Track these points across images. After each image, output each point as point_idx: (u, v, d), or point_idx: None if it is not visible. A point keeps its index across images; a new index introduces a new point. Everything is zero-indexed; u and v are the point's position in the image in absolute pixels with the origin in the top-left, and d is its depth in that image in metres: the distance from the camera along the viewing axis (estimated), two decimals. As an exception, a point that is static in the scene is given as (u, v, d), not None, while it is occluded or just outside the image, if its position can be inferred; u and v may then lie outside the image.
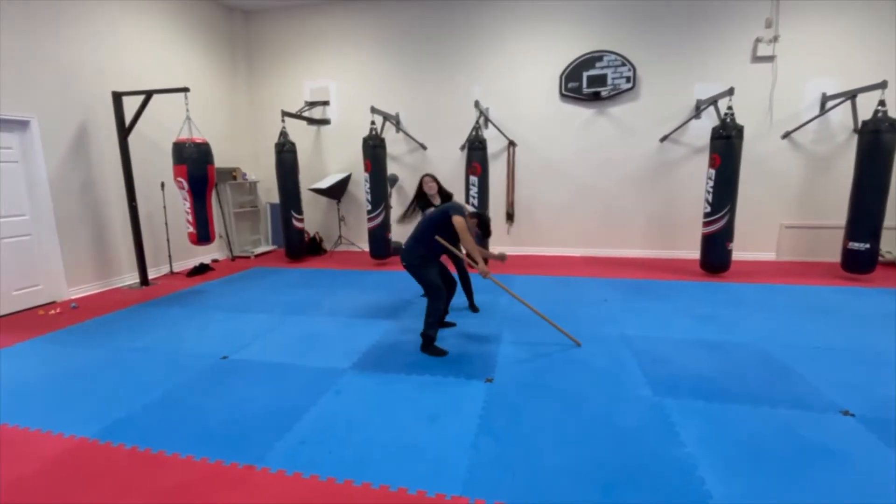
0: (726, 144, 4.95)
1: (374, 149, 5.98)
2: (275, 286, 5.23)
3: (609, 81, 6.13)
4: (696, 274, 5.43)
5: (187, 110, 5.02)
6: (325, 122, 7.26)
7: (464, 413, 2.43)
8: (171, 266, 5.98)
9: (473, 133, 6.09)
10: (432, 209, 3.96)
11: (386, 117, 6.66)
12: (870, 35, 5.47)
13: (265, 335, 3.65)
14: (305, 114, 7.07)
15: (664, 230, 6.40)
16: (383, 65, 6.90)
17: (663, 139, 6.15)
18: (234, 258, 6.96)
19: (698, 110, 5.97)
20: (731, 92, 5.06)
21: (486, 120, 6.47)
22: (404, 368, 2.98)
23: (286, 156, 6.43)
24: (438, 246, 3.24)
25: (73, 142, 4.91)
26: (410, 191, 6.43)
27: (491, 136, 6.47)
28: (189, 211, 5.00)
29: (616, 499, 1.79)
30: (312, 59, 7.16)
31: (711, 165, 5.10)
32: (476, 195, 5.96)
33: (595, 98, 6.26)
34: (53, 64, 4.69)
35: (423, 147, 6.91)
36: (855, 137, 5.38)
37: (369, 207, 6.09)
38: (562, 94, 6.36)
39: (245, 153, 7.48)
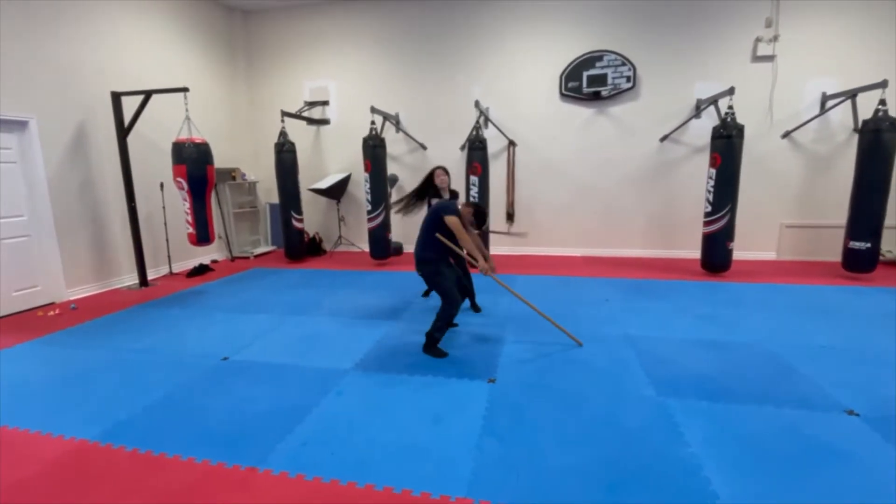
0: (727, 144, 4.95)
1: (374, 149, 5.97)
2: (275, 287, 5.21)
3: (609, 81, 6.13)
4: (697, 273, 5.43)
5: (187, 110, 5.00)
6: (324, 122, 7.25)
7: (467, 414, 2.42)
8: (170, 267, 5.96)
9: (473, 133, 6.08)
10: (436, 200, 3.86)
11: (386, 117, 6.65)
12: (870, 35, 5.47)
13: (266, 336, 3.63)
14: (305, 114, 7.05)
15: (664, 230, 6.40)
16: (383, 65, 6.89)
17: (663, 139, 6.15)
18: (233, 259, 6.94)
19: (698, 110, 5.97)
20: (731, 91, 5.06)
21: (486, 120, 6.47)
22: (406, 369, 2.97)
23: (286, 156, 6.42)
24: (444, 246, 3.19)
25: (71, 142, 4.89)
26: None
27: (491, 136, 6.46)
28: (189, 211, 4.98)
29: (622, 499, 1.78)
30: (312, 58, 7.14)
31: (712, 165, 5.10)
32: (476, 195, 5.95)
33: (595, 98, 6.25)
34: (52, 64, 4.67)
35: (423, 147, 6.90)
36: (855, 137, 5.38)
37: (369, 208, 6.08)
38: (562, 94, 6.36)
39: (244, 153, 7.46)
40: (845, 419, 2.31)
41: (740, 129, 4.95)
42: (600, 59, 6.13)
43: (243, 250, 7.16)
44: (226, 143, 6.95)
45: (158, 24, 5.90)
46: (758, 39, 5.72)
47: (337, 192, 7.02)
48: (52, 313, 4.37)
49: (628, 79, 6.07)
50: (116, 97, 5.01)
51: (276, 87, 7.36)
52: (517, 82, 6.50)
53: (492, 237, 6.36)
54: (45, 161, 4.60)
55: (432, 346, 3.18)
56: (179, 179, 4.87)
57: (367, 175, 6.03)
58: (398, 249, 7.01)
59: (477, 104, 6.38)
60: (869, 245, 4.88)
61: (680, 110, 6.09)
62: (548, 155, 6.57)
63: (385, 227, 6.17)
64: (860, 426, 2.24)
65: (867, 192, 4.83)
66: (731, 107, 5.03)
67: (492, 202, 6.48)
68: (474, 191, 5.96)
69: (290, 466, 2.01)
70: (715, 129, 5.07)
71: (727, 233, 5.13)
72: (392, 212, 5.02)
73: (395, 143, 6.90)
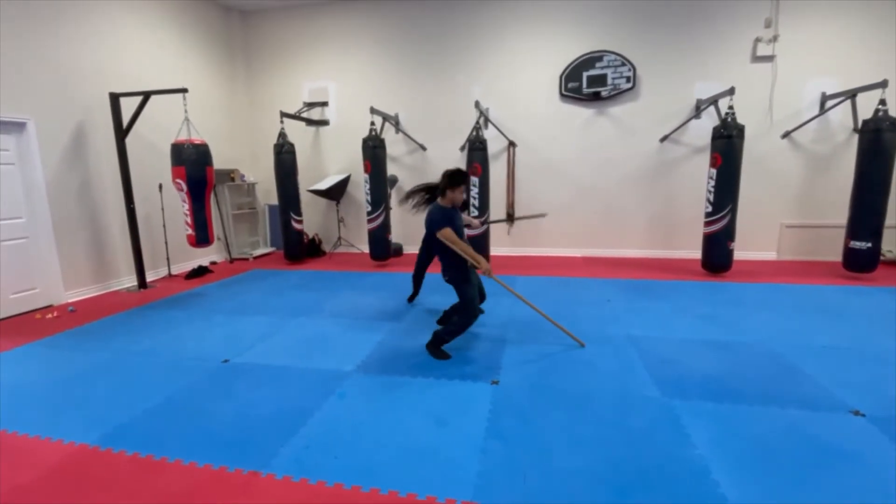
0: (727, 144, 4.94)
1: (373, 149, 5.95)
2: (275, 288, 5.18)
3: (609, 81, 6.12)
4: (698, 274, 5.42)
5: (185, 111, 4.97)
6: (324, 122, 7.22)
7: (471, 416, 2.40)
8: (169, 268, 5.93)
9: (473, 133, 6.06)
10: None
11: (385, 118, 6.63)
12: (870, 35, 5.48)
13: (266, 338, 3.61)
14: (304, 115, 7.03)
15: (665, 230, 6.39)
16: (383, 65, 6.87)
17: (663, 139, 6.15)
18: (232, 260, 6.91)
19: (698, 110, 5.97)
20: (731, 91, 5.06)
21: (486, 120, 6.45)
22: (409, 371, 2.95)
23: (285, 157, 6.39)
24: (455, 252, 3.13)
25: (70, 143, 4.86)
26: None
27: (491, 137, 6.45)
28: (188, 213, 4.95)
29: (631, 502, 1.77)
30: (311, 59, 7.12)
31: (713, 165, 5.09)
32: (477, 195, 5.93)
33: (595, 98, 6.25)
34: (50, 65, 4.64)
35: (423, 148, 6.89)
36: (855, 137, 5.38)
37: (369, 208, 6.06)
38: (562, 95, 6.35)
39: (243, 154, 7.43)
40: (851, 419, 2.30)
41: (741, 129, 4.95)
42: (600, 59, 6.12)
43: (242, 252, 7.13)
44: (225, 145, 6.92)
45: (157, 24, 5.87)
46: (757, 39, 5.72)
47: (336, 193, 6.99)
48: (50, 316, 4.33)
49: (628, 79, 6.06)
50: (115, 98, 4.98)
51: (275, 87, 7.33)
52: (517, 83, 6.49)
53: (492, 237, 6.35)
54: (43, 163, 4.57)
55: (437, 346, 3.15)
56: (178, 181, 4.84)
57: (366, 176, 6.01)
58: (398, 250, 6.99)
59: (477, 105, 6.37)
60: (869, 245, 4.88)
61: (680, 110, 6.08)
62: (548, 155, 6.56)
63: (385, 227, 6.15)
64: (866, 427, 2.23)
65: (867, 192, 4.83)
66: (731, 107, 5.03)
67: (492, 203, 6.46)
68: (475, 191, 5.94)
69: (293, 470, 1.99)
70: (715, 129, 5.07)
71: (728, 233, 5.12)
72: (400, 204, 4.99)
73: (394, 144, 6.88)
